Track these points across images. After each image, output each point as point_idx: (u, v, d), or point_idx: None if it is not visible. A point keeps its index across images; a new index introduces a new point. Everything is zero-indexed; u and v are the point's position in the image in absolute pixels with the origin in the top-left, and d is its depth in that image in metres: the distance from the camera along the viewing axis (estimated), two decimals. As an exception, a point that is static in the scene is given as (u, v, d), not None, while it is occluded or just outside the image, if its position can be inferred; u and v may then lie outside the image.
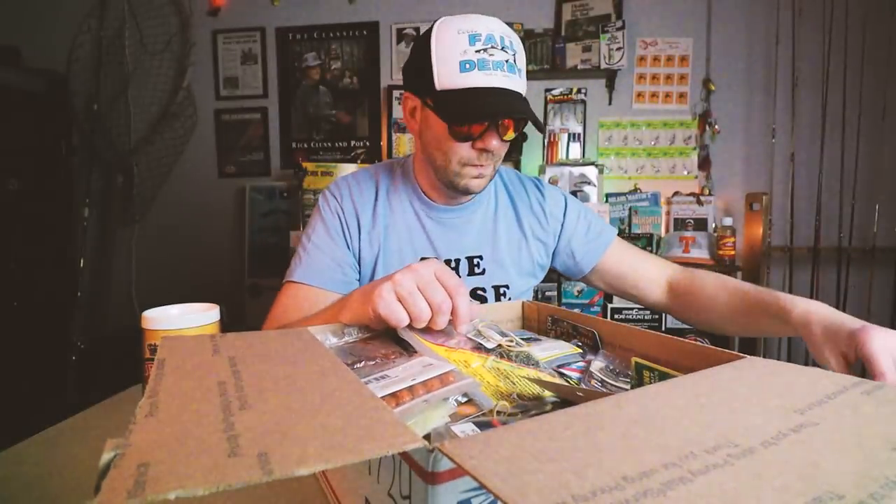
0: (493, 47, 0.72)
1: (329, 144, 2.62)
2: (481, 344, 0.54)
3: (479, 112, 0.72)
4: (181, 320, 0.62)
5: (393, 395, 0.39)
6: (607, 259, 0.92)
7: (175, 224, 2.70)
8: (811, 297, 2.39)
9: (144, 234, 2.70)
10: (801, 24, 2.21)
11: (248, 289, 2.55)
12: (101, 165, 2.65)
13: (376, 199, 0.89)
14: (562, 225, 0.94)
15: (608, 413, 0.28)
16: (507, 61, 0.72)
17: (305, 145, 2.62)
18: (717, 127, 2.35)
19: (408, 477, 0.28)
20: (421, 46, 0.76)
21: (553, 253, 0.96)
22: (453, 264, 0.88)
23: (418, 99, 0.79)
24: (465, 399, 0.42)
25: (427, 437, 0.37)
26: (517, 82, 0.74)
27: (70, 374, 2.28)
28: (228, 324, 0.64)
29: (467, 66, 0.71)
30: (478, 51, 0.72)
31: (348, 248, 0.87)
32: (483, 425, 0.38)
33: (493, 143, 0.75)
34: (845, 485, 0.21)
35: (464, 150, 0.77)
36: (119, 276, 2.72)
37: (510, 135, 0.78)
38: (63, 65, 2.60)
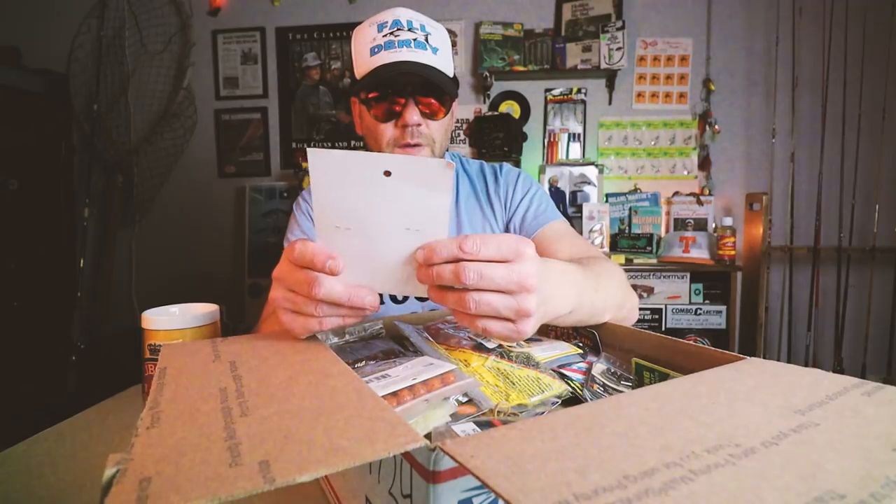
0: (399, 30, 0.76)
1: (329, 144, 2.62)
2: (482, 343, 0.54)
3: (380, 79, 0.76)
4: (181, 320, 0.62)
5: (394, 394, 0.39)
6: (536, 239, 0.89)
7: (175, 224, 2.70)
8: (811, 297, 2.38)
9: (144, 234, 2.70)
10: (801, 24, 2.21)
11: (248, 289, 2.55)
12: (101, 165, 2.65)
13: None
14: (511, 200, 0.94)
15: (609, 413, 0.28)
16: (414, 39, 0.76)
17: (305, 145, 2.62)
18: (717, 127, 2.36)
19: (409, 476, 0.28)
20: (350, 52, 0.82)
21: (507, 230, 0.95)
22: None
23: (355, 99, 0.84)
24: (465, 399, 0.42)
25: (428, 436, 0.37)
26: (428, 57, 0.76)
27: (70, 374, 2.28)
28: (228, 324, 0.64)
29: (375, 50, 0.76)
30: (385, 35, 0.76)
31: None
32: (483, 425, 0.38)
33: (414, 117, 0.77)
34: (846, 484, 0.21)
35: (389, 130, 0.80)
36: (119, 276, 2.72)
37: (440, 116, 0.81)
38: (63, 65, 2.60)
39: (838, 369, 2.15)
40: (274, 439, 0.24)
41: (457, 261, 0.39)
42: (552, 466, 0.22)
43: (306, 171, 2.31)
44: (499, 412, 0.41)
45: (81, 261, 2.52)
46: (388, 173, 0.39)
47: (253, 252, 2.57)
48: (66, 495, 0.49)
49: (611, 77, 2.40)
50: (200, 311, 0.64)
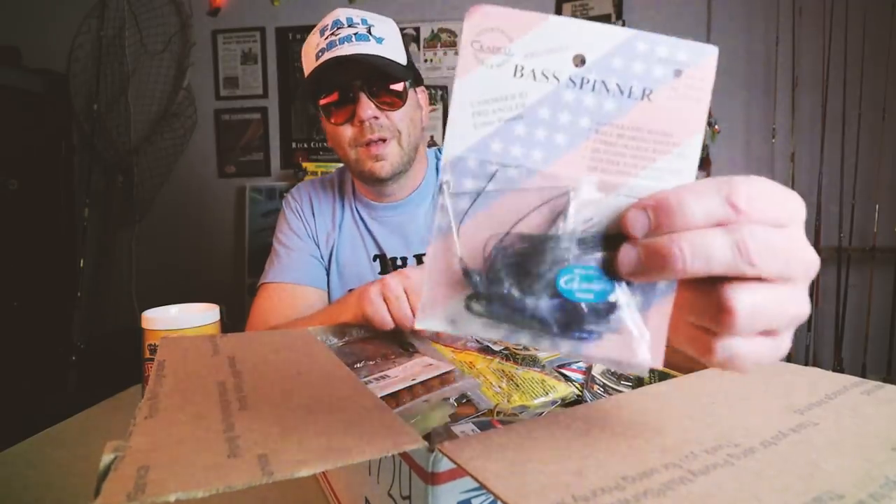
0: (339, 28, 0.74)
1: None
2: (488, 346, 0.54)
3: (323, 77, 0.74)
4: (181, 320, 0.62)
5: (393, 395, 0.39)
6: None
7: (175, 224, 2.70)
8: (811, 297, 2.39)
9: (144, 234, 2.70)
10: (801, 24, 2.21)
11: (248, 289, 2.55)
12: (101, 165, 2.65)
13: (334, 202, 0.91)
14: None
15: (608, 413, 0.28)
16: (355, 34, 0.74)
17: (305, 145, 2.62)
18: (717, 127, 2.35)
19: (408, 477, 0.28)
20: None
21: None
22: (399, 262, 0.88)
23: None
24: (465, 399, 0.42)
25: (427, 437, 0.37)
26: (372, 47, 0.74)
27: (70, 374, 2.28)
28: (228, 324, 0.64)
29: (319, 54, 0.74)
30: (326, 37, 0.74)
31: (313, 241, 0.90)
32: (483, 425, 0.38)
33: (367, 111, 0.75)
34: (845, 485, 0.21)
35: (348, 131, 0.78)
36: (119, 276, 2.72)
37: (400, 105, 0.77)
38: (63, 65, 2.60)
39: (838, 369, 2.15)
40: (273, 434, 0.24)
41: (717, 225, 0.21)
42: (551, 467, 0.22)
43: (307, 172, 2.31)
44: (498, 412, 0.41)
45: (81, 261, 2.52)
46: (580, 61, 0.23)
47: (253, 252, 2.56)
48: (67, 495, 0.49)
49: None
50: (200, 311, 0.64)
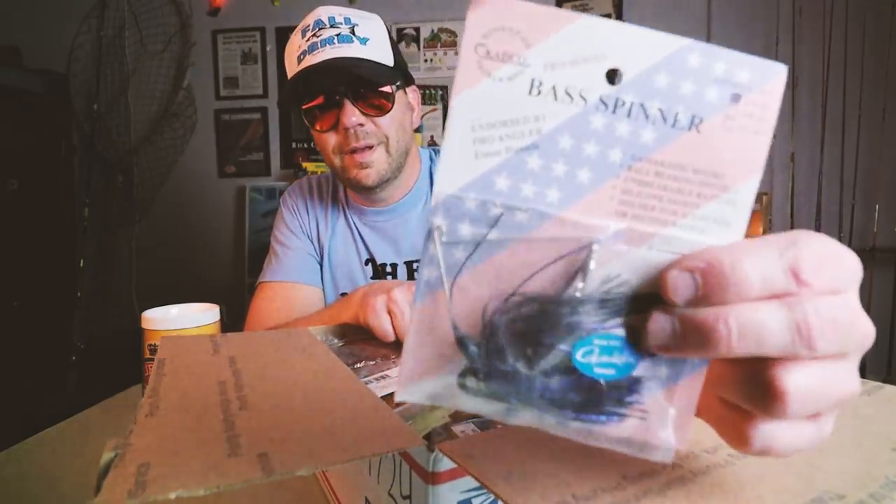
0: (321, 29, 0.71)
1: (329, 144, 2.62)
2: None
3: (302, 86, 0.71)
4: (181, 320, 0.62)
5: (393, 395, 0.39)
6: None
7: (175, 224, 2.70)
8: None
9: (144, 234, 2.70)
10: (801, 25, 2.21)
11: (248, 288, 2.55)
12: (101, 165, 2.65)
13: (329, 202, 0.90)
14: None
15: (608, 413, 0.28)
16: (338, 35, 0.70)
17: (305, 145, 2.62)
18: (717, 127, 2.36)
19: (408, 477, 0.28)
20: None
21: None
22: (389, 269, 0.86)
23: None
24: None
25: (427, 437, 0.37)
26: (356, 49, 0.71)
27: (70, 374, 2.28)
28: (228, 324, 0.64)
29: (301, 57, 0.71)
30: (308, 39, 0.71)
31: (309, 239, 0.89)
32: (483, 425, 0.38)
33: (352, 118, 0.71)
34: (845, 485, 0.21)
35: (333, 138, 0.75)
36: (119, 276, 2.72)
37: (388, 109, 0.74)
38: (63, 65, 2.60)
39: (838, 369, 2.15)
40: (273, 433, 0.24)
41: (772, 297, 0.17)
42: (551, 467, 0.22)
43: (307, 172, 2.31)
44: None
45: (81, 261, 2.52)
46: (614, 75, 0.19)
47: (253, 252, 2.57)
48: (67, 495, 0.49)
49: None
50: (200, 311, 0.64)
